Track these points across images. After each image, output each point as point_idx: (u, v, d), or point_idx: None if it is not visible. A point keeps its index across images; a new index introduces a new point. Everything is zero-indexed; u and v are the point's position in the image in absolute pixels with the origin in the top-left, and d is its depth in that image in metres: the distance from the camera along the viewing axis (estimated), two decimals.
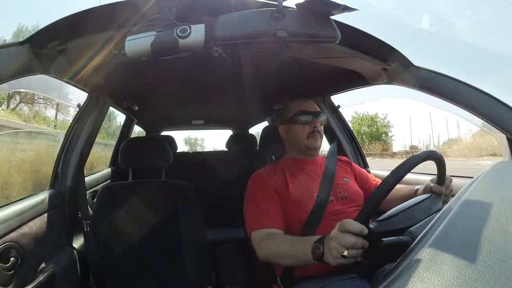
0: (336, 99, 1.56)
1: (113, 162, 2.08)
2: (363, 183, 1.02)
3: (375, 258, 0.58)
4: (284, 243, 0.77)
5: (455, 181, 0.78)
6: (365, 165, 1.53)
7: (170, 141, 2.35)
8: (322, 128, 1.00)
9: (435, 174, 0.73)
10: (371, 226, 0.57)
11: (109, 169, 1.98)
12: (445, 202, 0.70)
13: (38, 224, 0.94)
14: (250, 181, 0.97)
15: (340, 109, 1.58)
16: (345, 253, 0.56)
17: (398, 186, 0.94)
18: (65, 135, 1.23)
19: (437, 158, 0.67)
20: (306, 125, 0.97)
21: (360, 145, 1.61)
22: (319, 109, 1.01)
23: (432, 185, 0.74)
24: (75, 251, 1.10)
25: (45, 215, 0.99)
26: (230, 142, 2.23)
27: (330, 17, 0.66)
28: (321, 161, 1.02)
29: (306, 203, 0.86)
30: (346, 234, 0.56)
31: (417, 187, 0.84)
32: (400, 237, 0.55)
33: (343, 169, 1.03)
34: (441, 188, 0.72)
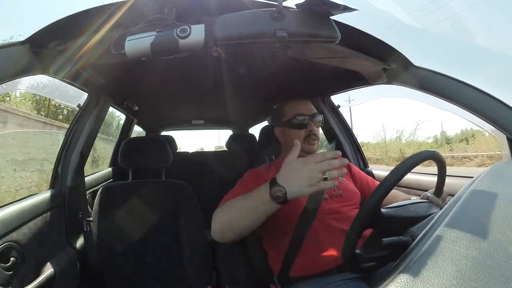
0: (336, 99, 1.56)
1: (113, 162, 2.08)
2: (363, 186, 1.02)
3: (374, 254, 0.58)
4: (236, 201, 0.74)
5: (455, 181, 0.78)
6: (365, 165, 1.53)
7: (170, 141, 2.35)
8: (318, 130, 0.98)
9: (436, 174, 0.73)
10: (382, 210, 0.56)
11: (109, 169, 1.98)
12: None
13: (38, 224, 0.94)
14: (244, 175, 0.97)
15: (340, 109, 1.58)
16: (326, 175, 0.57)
17: (396, 193, 0.95)
18: (65, 135, 1.23)
19: (438, 159, 0.67)
20: (301, 130, 0.95)
21: None
22: (315, 110, 0.99)
23: (429, 195, 0.74)
24: (75, 251, 1.10)
25: (45, 215, 0.99)
26: (230, 142, 2.23)
27: (330, 17, 0.66)
28: None
29: (300, 200, 0.85)
30: (322, 163, 0.59)
31: (413, 197, 0.85)
32: (400, 237, 0.55)
33: None
34: (438, 200, 0.72)
